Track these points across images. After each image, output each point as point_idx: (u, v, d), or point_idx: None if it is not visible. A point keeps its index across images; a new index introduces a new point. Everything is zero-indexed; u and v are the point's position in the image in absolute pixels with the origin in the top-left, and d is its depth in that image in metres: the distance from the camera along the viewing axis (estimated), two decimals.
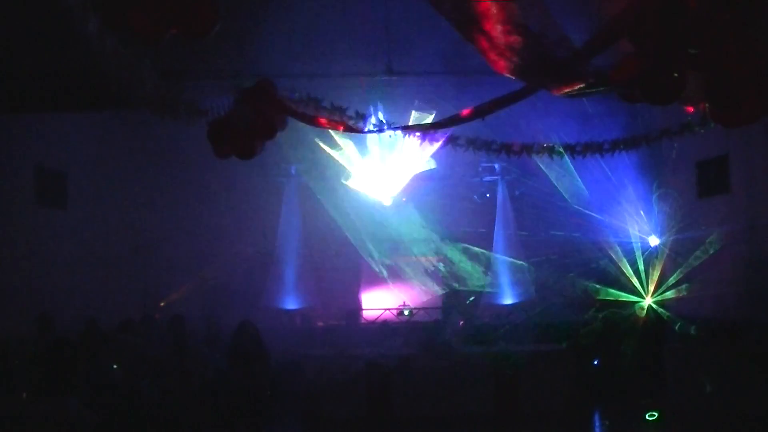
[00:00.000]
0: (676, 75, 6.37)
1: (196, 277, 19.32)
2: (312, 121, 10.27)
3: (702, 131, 10.62)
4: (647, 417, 13.30)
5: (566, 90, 7.17)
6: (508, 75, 7.03)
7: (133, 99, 8.83)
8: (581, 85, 7.00)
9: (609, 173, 16.54)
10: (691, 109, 8.59)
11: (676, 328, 15.43)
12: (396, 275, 20.11)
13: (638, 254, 17.15)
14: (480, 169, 20.65)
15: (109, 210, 17.42)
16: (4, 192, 14.10)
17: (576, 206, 17.77)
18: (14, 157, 14.38)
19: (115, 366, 10.38)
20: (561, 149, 11.16)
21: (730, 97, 6.69)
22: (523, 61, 6.58)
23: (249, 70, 10.35)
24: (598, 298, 17.00)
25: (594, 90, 7.12)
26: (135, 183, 18.55)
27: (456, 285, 19.98)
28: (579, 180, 17.27)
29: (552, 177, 17.43)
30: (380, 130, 10.35)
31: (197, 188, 19.03)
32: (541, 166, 15.98)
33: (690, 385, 13.29)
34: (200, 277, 19.34)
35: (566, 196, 17.81)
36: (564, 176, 17.04)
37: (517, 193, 20.17)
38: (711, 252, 15.52)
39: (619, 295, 16.74)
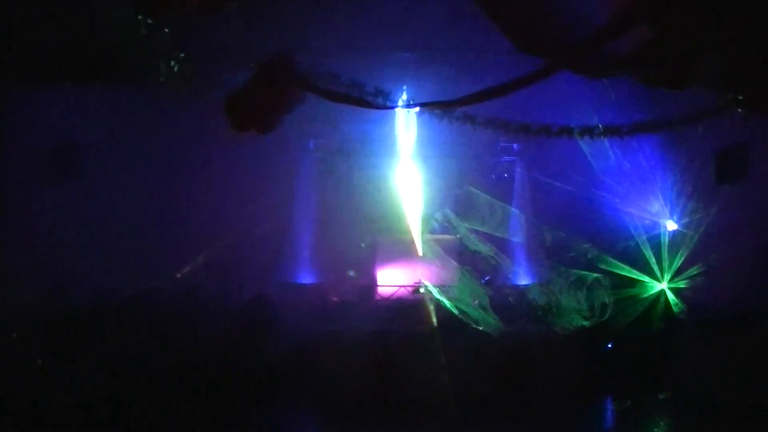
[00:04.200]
0: (692, 60, 6.32)
1: (210, 249, 19.30)
2: (330, 96, 10.24)
3: (721, 117, 10.56)
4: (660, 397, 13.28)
5: (587, 71, 7.12)
6: (529, 54, 6.98)
7: (151, 72, 8.82)
8: (602, 66, 6.95)
9: (628, 156, 16.44)
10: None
11: (685, 315, 15.38)
12: (412, 252, 20.06)
13: (655, 238, 17.05)
14: (498, 148, 20.58)
15: (124, 183, 17.37)
16: (20, 165, 14.13)
17: (594, 189, 17.69)
18: (30, 130, 14.40)
19: (126, 336, 10.44)
20: (580, 131, 11.10)
21: (750, 83, 6.63)
22: (544, 40, 6.53)
23: (267, 46, 10.28)
24: (611, 282, 16.93)
25: (614, 71, 7.07)
26: (151, 156, 18.46)
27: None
28: (597, 162, 17.18)
29: (571, 159, 17.33)
30: (398, 106, 10.31)
31: (213, 162, 18.98)
32: (560, 147, 15.88)
33: (702, 373, 13.24)
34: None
35: (584, 178, 17.74)
36: (583, 158, 16.93)
37: (535, 173, 20.06)
38: (728, 238, 15.43)
39: (632, 276, 16.66)
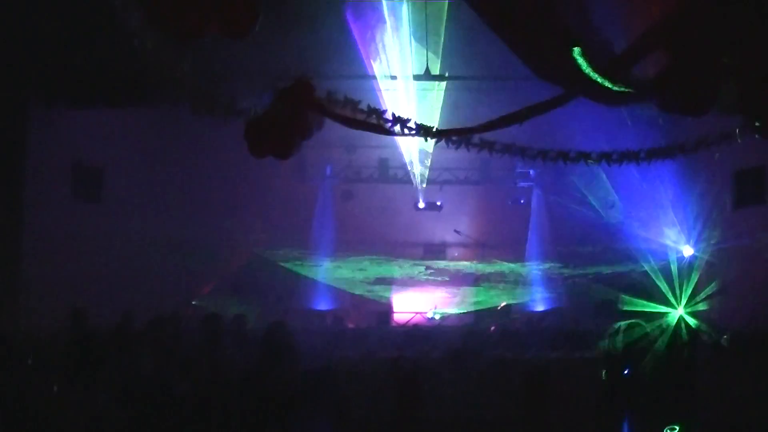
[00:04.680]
0: (709, 86, 6.35)
1: (228, 274, 19.41)
2: (348, 123, 10.29)
3: (739, 141, 10.56)
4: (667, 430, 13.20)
5: (606, 98, 7.17)
6: (548, 81, 7.03)
7: (172, 96, 8.89)
8: (620, 94, 7.00)
9: (645, 182, 16.46)
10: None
11: (707, 338, 15.31)
12: (428, 278, 20.12)
13: (672, 264, 17.05)
14: (515, 174, 20.66)
15: (144, 206, 17.49)
16: (42, 186, 14.24)
17: (611, 214, 17.73)
18: (52, 152, 14.52)
19: (145, 362, 10.46)
20: (597, 157, 11.11)
21: (766, 108, 6.65)
22: (564, 67, 6.58)
23: (287, 71, 10.35)
24: (626, 308, 16.90)
25: (633, 99, 7.11)
26: (170, 180, 18.58)
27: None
28: (614, 188, 17.23)
29: (587, 184, 17.39)
30: (416, 133, 10.34)
31: (232, 187, 19.11)
32: (577, 173, 15.94)
33: (722, 397, 13.18)
34: None
35: (601, 204, 17.79)
36: (600, 183, 16.99)
37: (551, 199, 20.11)
38: (745, 263, 15.41)
39: (648, 305, 16.61)
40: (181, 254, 18.38)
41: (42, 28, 10.73)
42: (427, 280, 20.29)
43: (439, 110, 16.03)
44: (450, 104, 15.68)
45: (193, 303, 18.31)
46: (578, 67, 6.62)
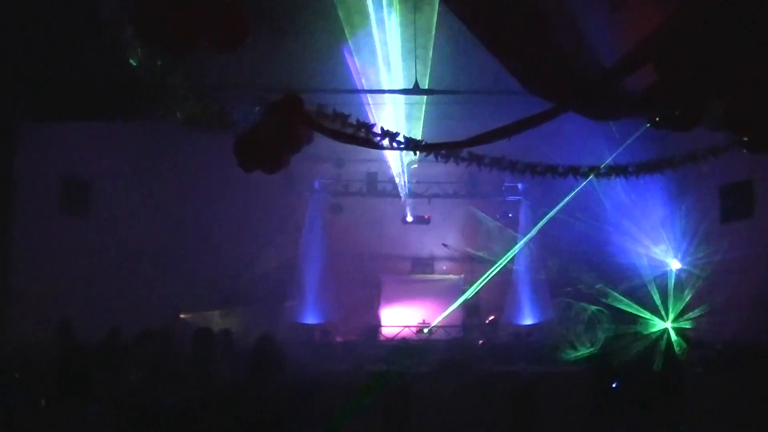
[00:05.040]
0: (697, 101, 6.40)
1: (216, 288, 19.38)
2: (338, 137, 10.32)
3: (726, 155, 10.63)
4: None
5: (595, 112, 7.20)
6: (538, 96, 7.07)
7: (163, 109, 8.90)
8: (610, 108, 7.04)
9: (633, 195, 16.51)
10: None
11: (695, 352, 15.35)
12: (416, 292, 20.13)
13: (660, 278, 17.09)
14: (503, 188, 20.71)
15: (132, 220, 17.44)
16: (29, 200, 14.20)
17: (599, 228, 17.78)
18: (40, 165, 14.49)
19: (134, 375, 10.44)
20: (585, 170, 11.17)
21: (753, 123, 6.69)
22: (554, 81, 6.62)
23: (276, 84, 10.38)
24: (615, 322, 16.96)
25: (622, 113, 7.16)
26: (159, 194, 18.56)
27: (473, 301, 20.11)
28: (603, 202, 17.28)
29: (575, 198, 17.42)
30: (405, 147, 10.37)
31: (220, 201, 19.10)
32: (565, 186, 15.96)
33: (710, 411, 13.21)
34: None
35: (589, 218, 17.83)
36: (588, 197, 17.03)
37: (539, 213, 20.14)
38: (733, 277, 15.46)
39: (636, 319, 16.64)
40: (169, 267, 18.36)
41: (31, 41, 10.72)
42: (415, 293, 20.28)
43: (422, 123, 16.10)
44: (439, 118, 15.71)
45: (180, 316, 18.26)
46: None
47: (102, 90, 11.15)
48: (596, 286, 17.78)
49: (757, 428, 12.30)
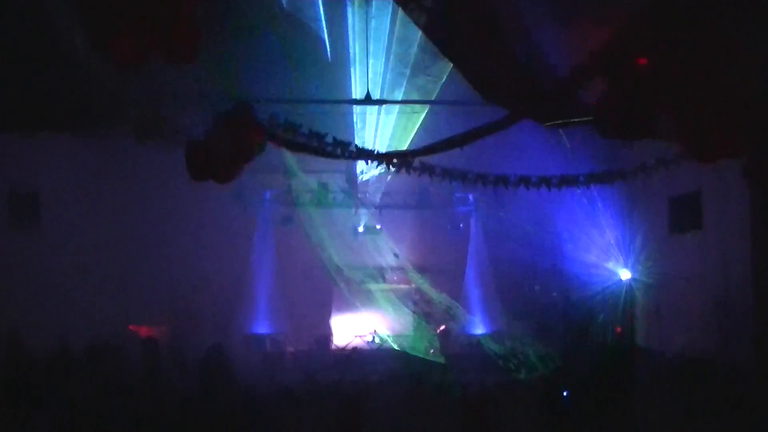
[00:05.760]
0: (646, 112, 6.48)
1: (165, 300, 19.25)
2: (289, 146, 10.31)
3: (676, 167, 10.75)
4: None
5: (549, 120, 7.26)
6: (493, 102, 7.12)
7: (114, 121, 8.83)
8: (562, 117, 7.10)
9: (583, 207, 16.61)
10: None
11: (644, 362, 15.47)
12: (367, 302, 20.10)
13: (610, 288, 17.22)
14: (454, 199, 20.77)
15: (82, 233, 17.24)
16: None
17: (549, 239, 17.88)
18: None
19: (84, 388, 10.33)
20: (537, 181, 11.23)
21: (701, 134, 6.77)
22: (509, 88, 6.67)
23: (228, 94, 10.33)
24: (565, 332, 17.09)
25: (573, 121, 7.21)
26: (108, 206, 18.38)
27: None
28: (553, 213, 17.37)
29: (527, 209, 17.51)
30: (358, 157, 10.39)
31: (171, 213, 18.98)
32: (516, 197, 16.04)
33: (659, 421, 13.31)
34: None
35: (539, 228, 17.94)
36: (538, 209, 17.11)
37: (490, 223, 20.21)
38: (682, 287, 15.60)
39: (585, 329, 16.74)
40: (119, 280, 18.22)
41: None
42: (366, 303, 20.25)
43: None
44: (398, 128, 15.78)
45: (129, 329, 18.10)
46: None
47: (51, 102, 11.01)
48: (543, 303, 17.91)
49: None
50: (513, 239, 18.70)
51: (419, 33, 9.08)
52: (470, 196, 20.34)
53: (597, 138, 9.67)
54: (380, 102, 14.26)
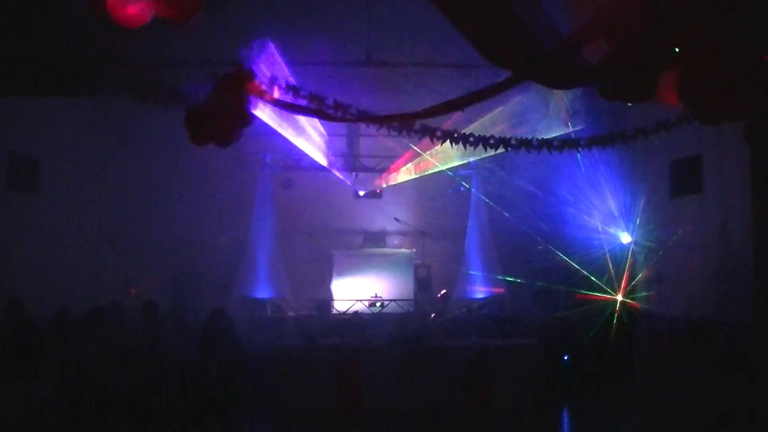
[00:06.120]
0: (649, 74, 6.43)
1: (167, 264, 19.28)
2: (290, 109, 10.26)
3: (678, 129, 10.68)
4: None
5: (551, 82, 7.21)
6: (495, 63, 7.06)
7: (114, 84, 8.78)
8: (565, 78, 7.05)
9: (584, 170, 16.58)
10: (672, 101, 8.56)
11: (644, 325, 15.47)
12: (368, 267, 20.08)
13: (611, 251, 17.20)
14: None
15: (82, 196, 17.22)
16: None
17: (550, 202, 17.85)
18: None
19: (85, 353, 10.34)
20: (538, 144, 11.17)
21: (704, 96, 6.73)
22: (511, 49, 6.61)
23: (228, 57, 10.26)
24: (566, 295, 17.08)
25: (577, 83, 7.17)
26: (109, 170, 18.34)
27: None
28: (554, 176, 17.34)
29: (528, 172, 17.48)
30: (358, 119, 10.32)
31: (172, 177, 18.97)
32: (517, 160, 16.00)
33: (659, 384, 13.33)
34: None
35: (540, 192, 17.91)
36: (539, 171, 17.09)
37: (491, 187, 20.16)
38: (683, 251, 15.60)
39: (586, 293, 16.73)
40: (120, 244, 18.24)
41: None
42: (366, 268, 20.22)
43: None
44: (395, 89, 15.62)
45: (131, 293, 18.12)
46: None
47: (51, 65, 10.94)
48: (544, 267, 17.89)
49: (706, 402, 12.44)
50: (514, 203, 18.66)
51: None
52: (471, 159, 20.27)
53: (599, 101, 9.62)
54: (381, 64, 14.17)
